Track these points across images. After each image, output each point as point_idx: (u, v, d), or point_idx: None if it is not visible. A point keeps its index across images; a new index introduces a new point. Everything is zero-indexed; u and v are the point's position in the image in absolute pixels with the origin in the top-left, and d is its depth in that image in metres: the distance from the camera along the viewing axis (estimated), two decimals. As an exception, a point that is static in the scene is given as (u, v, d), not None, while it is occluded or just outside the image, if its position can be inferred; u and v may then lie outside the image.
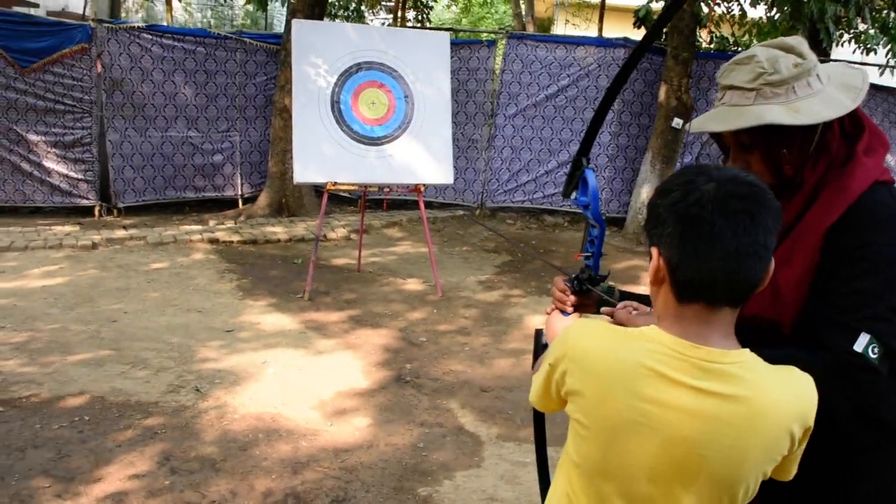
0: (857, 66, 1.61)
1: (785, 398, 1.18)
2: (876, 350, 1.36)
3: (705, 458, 1.16)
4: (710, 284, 1.16)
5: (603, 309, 1.67)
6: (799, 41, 1.49)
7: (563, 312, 1.73)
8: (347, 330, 5.28)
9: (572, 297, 1.72)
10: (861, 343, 1.36)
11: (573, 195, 1.75)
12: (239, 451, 3.49)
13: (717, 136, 1.62)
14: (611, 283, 1.79)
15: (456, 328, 5.47)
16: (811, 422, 1.21)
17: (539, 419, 1.90)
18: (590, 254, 1.74)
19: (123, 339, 4.82)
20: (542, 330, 1.74)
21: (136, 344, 4.74)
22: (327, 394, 4.18)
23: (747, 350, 1.21)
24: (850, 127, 1.50)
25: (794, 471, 1.28)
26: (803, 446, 1.25)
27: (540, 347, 1.75)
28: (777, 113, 1.44)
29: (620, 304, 1.65)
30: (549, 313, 1.75)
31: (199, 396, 4.04)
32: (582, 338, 1.27)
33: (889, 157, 8.74)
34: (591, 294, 1.73)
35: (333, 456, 3.52)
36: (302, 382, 4.32)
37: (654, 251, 1.22)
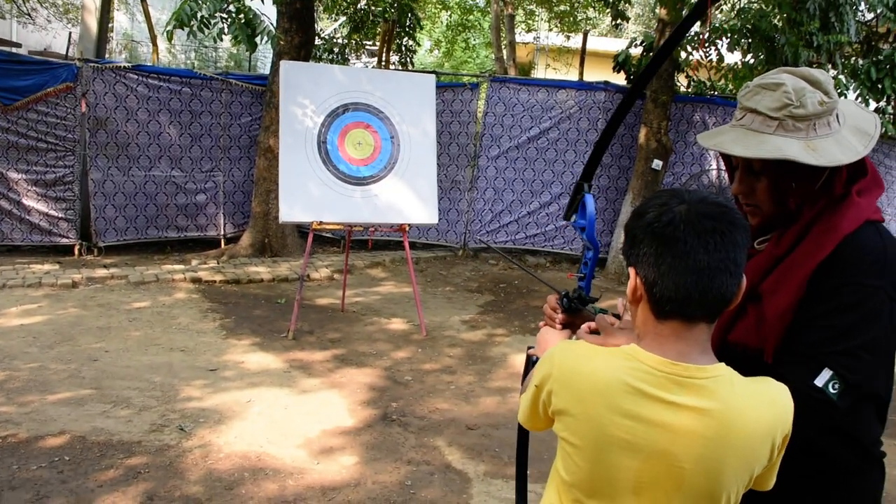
0: (868, 109, 1.65)
1: (760, 409, 1.23)
2: (836, 386, 1.39)
3: (686, 470, 1.21)
4: (685, 300, 1.21)
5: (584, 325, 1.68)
6: (826, 77, 1.50)
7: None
8: (332, 369, 5.24)
9: (561, 316, 1.75)
10: (822, 378, 1.40)
11: (573, 218, 1.78)
12: (225, 491, 3.43)
13: (726, 154, 1.65)
14: (602, 307, 1.81)
15: (441, 367, 5.45)
16: (789, 429, 1.26)
17: (522, 438, 1.91)
18: (582, 275, 1.77)
19: (105, 378, 4.75)
20: (532, 347, 1.76)
21: (118, 383, 4.67)
22: (313, 432, 4.13)
23: (723, 364, 1.25)
24: (853, 168, 1.52)
25: (772, 480, 1.32)
26: (781, 455, 1.28)
27: (530, 365, 1.77)
28: (797, 149, 1.46)
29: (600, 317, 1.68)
30: (540, 327, 1.80)
31: (183, 435, 3.97)
32: (566, 358, 1.32)
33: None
34: (581, 314, 1.75)
35: (321, 494, 3.47)
36: (287, 421, 4.27)
37: (632, 271, 1.28)
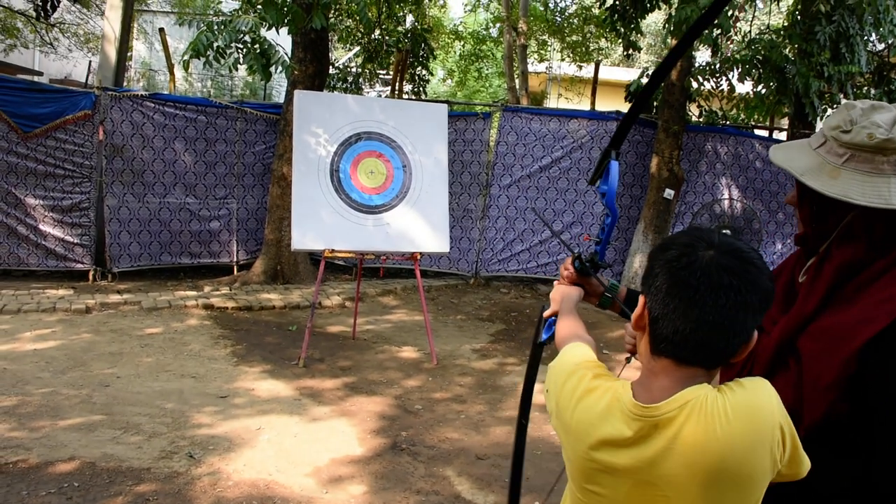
0: None
1: (737, 423, 1.16)
2: None
3: (671, 498, 1.20)
4: (680, 344, 1.20)
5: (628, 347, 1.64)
6: None
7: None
8: (343, 397, 5.23)
9: (571, 270, 1.81)
10: None
11: (597, 183, 1.83)
12: (232, 519, 3.42)
13: None
14: (614, 281, 1.86)
15: (451, 396, 5.43)
16: (781, 421, 1.19)
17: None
18: (598, 239, 1.84)
19: (116, 403, 4.76)
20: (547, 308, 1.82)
21: (129, 409, 4.68)
22: (322, 461, 4.12)
23: (696, 387, 1.20)
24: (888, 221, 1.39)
25: (803, 467, 1.25)
26: (796, 444, 1.22)
27: (541, 323, 1.83)
28: (807, 167, 1.42)
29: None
30: (555, 285, 1.85)
31: (193, 463, 3.97)
32: (561, 392, 1.35)
33: None
34: (591, 278, 1.81)
35: (329, 525, 3.45)
36: (297, 449, 4.26)
37: (642, 299, 1.28)
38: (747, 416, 1.18)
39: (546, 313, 1.78)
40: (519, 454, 1.99)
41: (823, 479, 1.35)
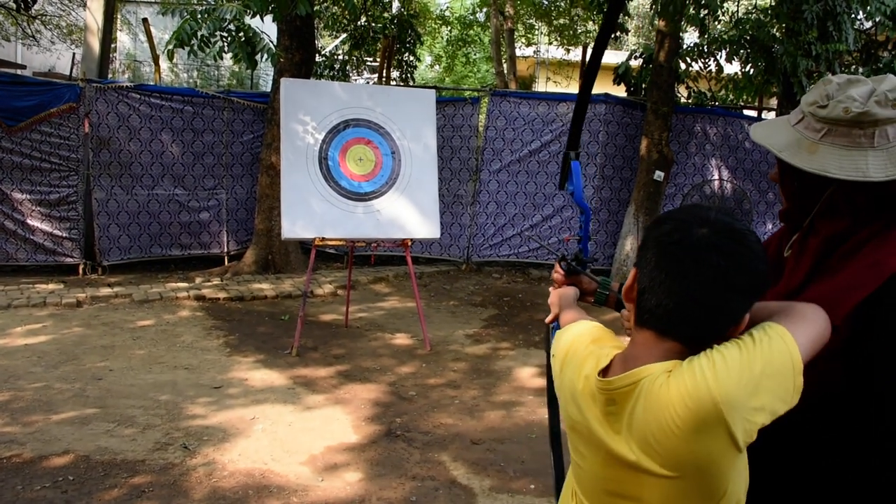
0: None
1: (676, 415, 1.13)
2: None
3: (641, 477, 1.22)
4: (663, 318, 1.21)
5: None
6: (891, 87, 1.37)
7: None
8: (336, 385, 5.23)
9: (561, 273, 1.85)
10: None
11: (566, 186, 1.87)
12: (228, 509, 3.42)
13: None
14: (605, 277, 1.89)
15: (445, 381, 5.44)
16: (718, 403, 1.10)
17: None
18: (579, 237, 1.88)
19: (109, 396, 4.75)
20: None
21: (123, 402, 4.67)
22: (317, 449, 4.12)
23: (651, 366, 1.20)
24: (876, 196, 1.39)
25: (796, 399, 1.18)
26: (768, 411, 1.13)
27: (548, 331, 1.88)
28: (786, 143, 1.42)
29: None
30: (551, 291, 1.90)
31: (188, 454, 3.97)
32: (565, 355, 1.40)
33: None
34: (581, 276, 1.84)
35: (325, 512, 3.45)
36: (292, 438, 4.26)
37: (633, 270, 1.29)
38: (685, 403, 1.13)
39: (547, 320, 1.81)
40: (559, 463, 2.00)
41: (820, 452, 1.35)
